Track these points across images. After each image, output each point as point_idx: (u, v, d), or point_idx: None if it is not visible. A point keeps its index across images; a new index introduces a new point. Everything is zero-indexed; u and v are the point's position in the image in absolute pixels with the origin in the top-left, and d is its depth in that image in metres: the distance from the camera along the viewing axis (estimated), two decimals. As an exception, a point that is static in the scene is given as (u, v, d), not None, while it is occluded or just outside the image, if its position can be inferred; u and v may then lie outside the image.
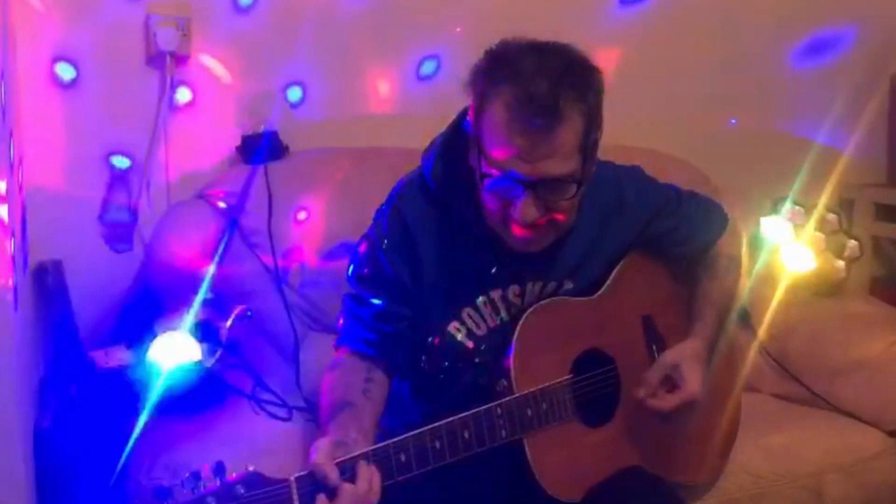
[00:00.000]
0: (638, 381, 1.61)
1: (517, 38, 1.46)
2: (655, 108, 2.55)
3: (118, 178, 2.22)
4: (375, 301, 1.58)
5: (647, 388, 1.60)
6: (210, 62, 2.27)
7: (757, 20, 2.61)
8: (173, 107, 2.25)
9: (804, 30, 2.64)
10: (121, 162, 2.22)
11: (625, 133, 2.01)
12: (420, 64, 2.41)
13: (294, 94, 2.35)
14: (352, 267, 1.62)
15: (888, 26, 2.70)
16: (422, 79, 2.42)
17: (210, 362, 1.84)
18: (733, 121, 2.62)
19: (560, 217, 1.48)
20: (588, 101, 1.43)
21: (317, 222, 2.18)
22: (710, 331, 1.68)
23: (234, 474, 1.21)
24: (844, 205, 2.62)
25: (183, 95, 2.26)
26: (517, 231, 1.48)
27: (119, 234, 2.24)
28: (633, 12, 2.52)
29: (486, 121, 1.43)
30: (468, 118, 1.49)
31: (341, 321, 1.62)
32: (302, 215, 2.18)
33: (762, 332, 2.12)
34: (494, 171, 1.44)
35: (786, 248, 2.31)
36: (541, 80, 1.39)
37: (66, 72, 2.17)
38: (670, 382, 1.60)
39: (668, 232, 1.71)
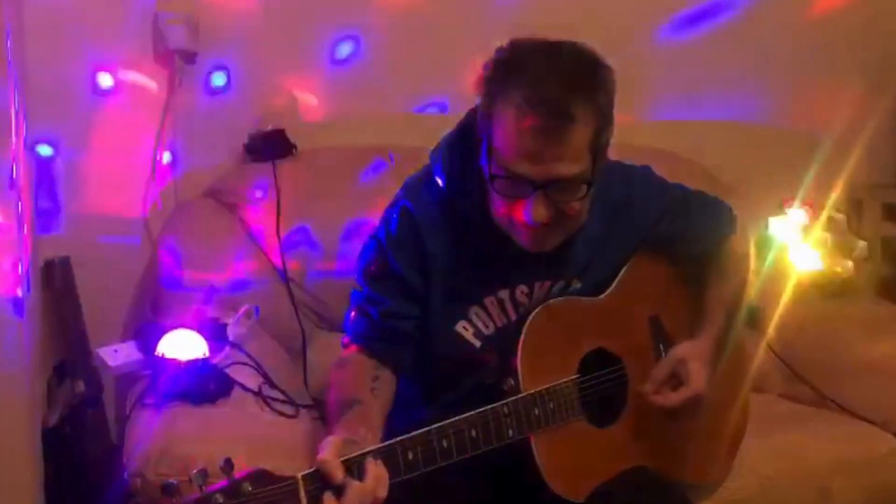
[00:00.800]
0: (644, 378, 1.61)
1: (527, 38, 1.46)
2: (664, 108, 2.55)
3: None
4: (383, 299, 1.58)
5: (652, 384, 1.59)
6: (218, 60, 2.27)
7: (766, 18, 2.61)
8: (181, 104, 2.25)
9: (813, 28, 2.64)
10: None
11: (633, 132, 2.01)
12: (429, 62, 2.41)
13: (302, 92, 2.35)
14: (360, 264, 1.62)
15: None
16: (429, 76, 2.42)
17: (217, 359, 1.84)
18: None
19: (570, 217, 1.48)
20: (599, 102, 1.43)
21: (324, 220, 2.18)
22: (719, 332, 1.68)
23: (241, 471, 1.21)
24: (853, 205, 2.61)
25: (191, 93, 2.26)
26: (526, 231, 1.48)
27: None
28: (642, 9, 2.52)
29: (495, 122, 1.43)
30: (477, 117, 1.49)
31: (349, 318, 1.63)
32: (309, 213, 2.18)
33: (770, 332, 2.11)
34: (504, 173, 1.44)
35: (794, 248, 2.31)
36: (551, 81, 1.39)
37: (74, 68, 2.19)
38: (676, 380, 1.60)
39: (677, 232, 1.71)
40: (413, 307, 1.58)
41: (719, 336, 1.68)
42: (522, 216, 1.46)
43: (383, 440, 1.52)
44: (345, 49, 2.37)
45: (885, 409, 2.03)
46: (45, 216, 2.23)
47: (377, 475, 1.31)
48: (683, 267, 1.75)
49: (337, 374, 1.57)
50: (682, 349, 1.63)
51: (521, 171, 1.42)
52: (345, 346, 1.63)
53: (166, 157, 2.28)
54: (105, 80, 2.21)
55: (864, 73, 2.66)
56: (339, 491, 1.27)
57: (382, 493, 1.31)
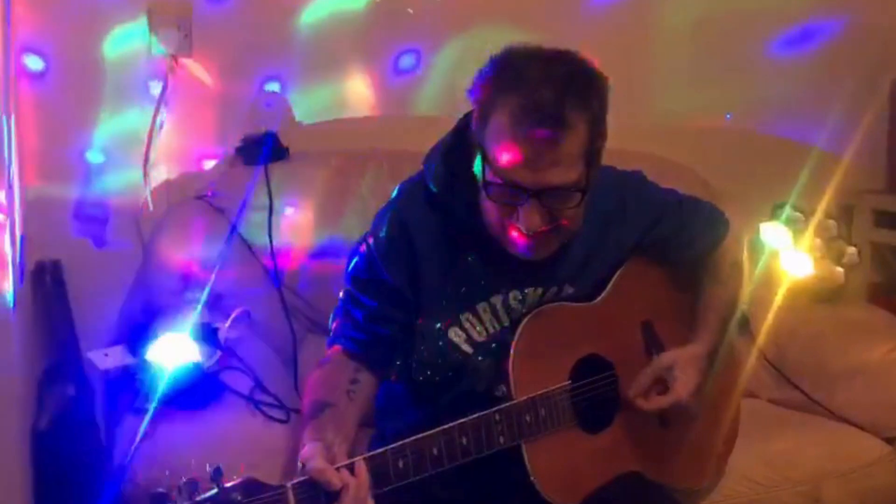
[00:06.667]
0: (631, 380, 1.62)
1: (521, 45, 1.46)
2: (655, 113, 2.55)
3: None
4: (369, 302, 1.57)
5: (637, 387, 1.60)
6: (211, 63, 2.27)
7: (754, 22, 2.62)
8: (173, 107, 2.25)
9: (803, 34, 2.65)
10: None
11: (625, 138, 2.01)
12: (423, 67, 2.41)
13: (295, 95, 2.35)
14: (349, 266, 1.62)
15: (887, 29, 2.70)
16: (425, 82, 2.41)
17: (209, 364, 1.84)
18: (728, 115, 2.62)
19: (564, 225, 1.48)
20: (593, 110, 1.43)
21: (317, 224, 2.18)
22: (713, 337, 1.68)
23: (231, 481, 1.21)
24: (843, 211, 2.61)
25: (183, 96, 2.26)
26: (520, 239, 1.47)
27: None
28: (632, 16, 2.53)
29: (490, 129, 1.43)
30: (471, 124, 1.48)
31: (335, 319, 1.62)
32: (302, 217, 2.18)
33: (761, 337, 2.11)
34: (498, 180, 1.43)
35: (785, 254, 2.31)
36: (546, 88, 1.39)
37: (66, 69, 2.18)
38: (662, 385, 1.61)
39: (669, 237, 1.71)
40: (398, 313, 1.57)
41: (713, 342, 1.68)
42: (517, 224, 1.45)
43: (369, 444, 1.52)
44: (340, 52, 2.37)
45: (875, 415, 2.04)
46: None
47: (366, 480, 1.32)
48: (677, 272, 1.75)
49: (316, 374, 1.57)
50: (671, 356, 1.63)
51: (515, 177, 1.42)
52: (329, 345, 1.62)
53: (158, 159, 2.27)
54: (96, 80, 2.20)
55: (854, 80, 2.66)
56: (329, 498, 1.27)
57: (366, 491, 1.32)
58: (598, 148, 1.47)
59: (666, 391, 1.60)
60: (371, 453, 1.36)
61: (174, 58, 2.21)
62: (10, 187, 1.81)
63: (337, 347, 1.60)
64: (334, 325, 1.62)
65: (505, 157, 1.41)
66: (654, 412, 1.60)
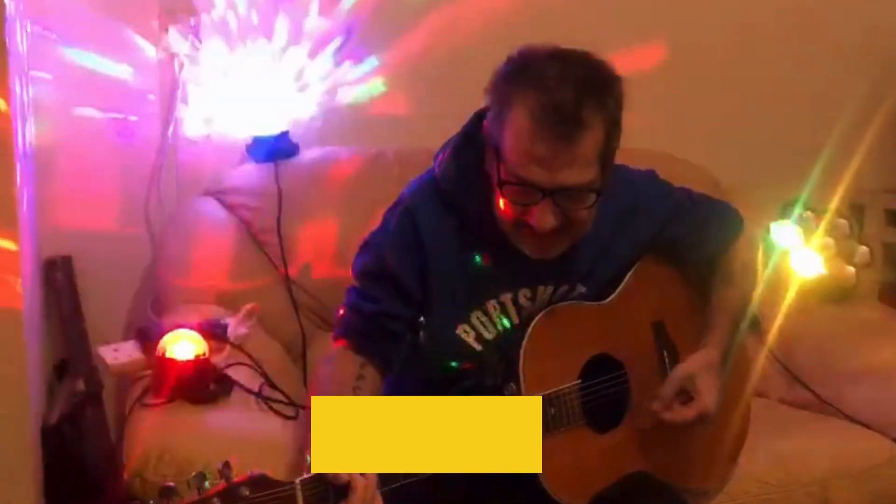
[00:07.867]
0: (649, 389, 1.61)
1: (538, 45, 1.46)
2: (666, 111, 2.55)
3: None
4: (376, 297, 1.57)
5: (661, 401, 1.59)
6: (220, 61, 2.27)
7: (768, 22, 2.61)
8: (183, 105, 2.25)
9: (815, 33, 2.64)
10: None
11: (636, 136, 2.01)
12: (428, 64, 2.41)
13: (305, 91, 2.35)
14: (357, 262, 1.62)
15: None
16: (432, 79, 2.41)
17: (218, 359, 1.84)
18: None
19: (576, 225, 1.48)
20: (609, 110, 1.43)
21: (326, 221, 2.18)
22: (725, 339, 1.67)
23: (239, 476, 1.21)
24: (855, 210, 2.61)
25: (193, 94, 2.26)
26: (531, 237, 1.47)
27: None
28: (646, 14, 2.52)
29: (506, 127, 1.43)
30: (485, 122, 1.48)
31: (342, 313, 1.62)
32: (311, 213, 2.18)
33: (771, 337, 2.11)
34: (513, 179, 1.43)
35: (796, 254, 2.30)
36: (564, 88, 1.39)
37: (77, 69, 2.19)
38: (685, 394, 1.60)
39: (682, 236, 1.70)
40: (405, 309, 1.57)
41: (726, 343, 1.67)
42: (529, 222, 1.45)
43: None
44: (348, 49, 2.37)
45: (885, 415, 2.03)
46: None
47: (374, 477, 1.32)
48: (689, 271, 1.75)
49: (322, 370, 1.58)
50: (689, 364, 1.62)
51: (531, 176, 1.42)
52: (334, 340, 1.62)
53: (169, 156, 2.28)
54: (107, 80, 2.21)
55: (866, 78, 2.65)
56: (338, 495, 1.27)
57: (373, 489, 1.32)
58: (614, 148, 1.47)
59: (688, 401, 1.60)
60: (378, 452, 1.36)
61: (185, 55, 2.22)
62: (21, 184, 1.82)
63: (342, 342, 1.59)
64: (340, 319, 1.62)
65: (521, 157, 1.41)
66: (682, 424, 1.59)
